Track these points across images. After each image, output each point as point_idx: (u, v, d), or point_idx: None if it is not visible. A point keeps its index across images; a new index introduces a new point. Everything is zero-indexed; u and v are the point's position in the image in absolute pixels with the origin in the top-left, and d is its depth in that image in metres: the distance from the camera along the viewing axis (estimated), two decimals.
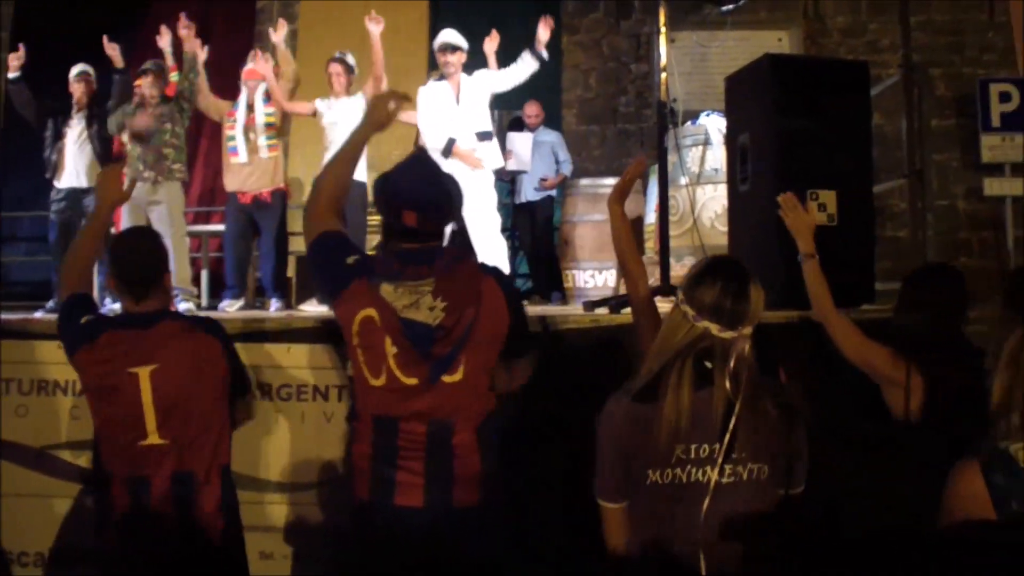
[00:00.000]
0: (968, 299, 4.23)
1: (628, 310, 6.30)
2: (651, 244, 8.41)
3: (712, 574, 2.79)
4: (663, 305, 6.45)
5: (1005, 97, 11.73)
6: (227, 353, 3.92)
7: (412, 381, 3.28)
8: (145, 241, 3.98)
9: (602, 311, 6.17)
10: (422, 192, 3.42)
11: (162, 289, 3.90)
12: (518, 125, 10.58)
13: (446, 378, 3.30)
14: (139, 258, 3.84)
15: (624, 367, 5.43)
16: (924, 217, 7.05)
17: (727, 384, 2.79)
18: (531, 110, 10.48)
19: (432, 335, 3.26)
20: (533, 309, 8.19)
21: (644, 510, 2.87)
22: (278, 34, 8.58)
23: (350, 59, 8.78)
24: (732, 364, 2.81)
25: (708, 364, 2.80)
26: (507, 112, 11.05)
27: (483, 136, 8.22)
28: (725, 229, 7.08)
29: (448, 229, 7.68)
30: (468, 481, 3.35)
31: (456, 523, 3.31)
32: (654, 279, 7.29)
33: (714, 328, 2.81)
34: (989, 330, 4.29)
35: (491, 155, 8.25)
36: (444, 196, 3.48)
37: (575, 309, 7.53)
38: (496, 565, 3.42)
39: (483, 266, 3.49)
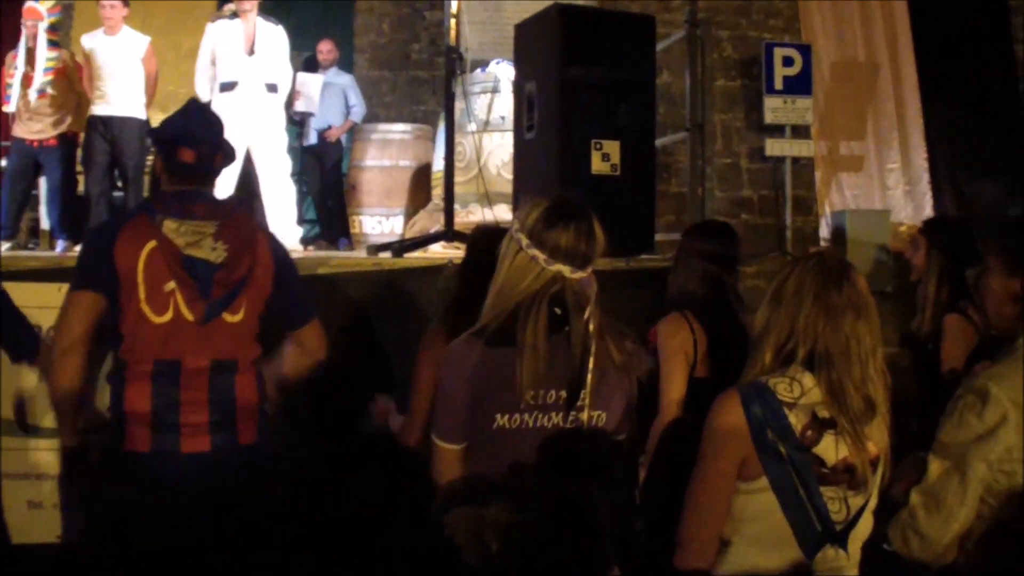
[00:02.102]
0: (739, 255, 4.32)
1: (412, 254, 6.32)
2: (437, 191, 8.38)
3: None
4: (448, 251, 6.52)
5: (788, 61, 12.08)
6: None
7: (190, 317, 3.28)
8: None
9: (385, 255, 6.13)
10: (197, 130, 3.51)
11: None
12: (311, 65, 10.39)
13: (228, 317, 3.34)
14: None
15: (404, 309, 5.44)
16: (704, 171, 7.26)
17: (582, 328, 2.77)
18: (324, 47, 10.30)
19: (212, 274, 3.28)
20: (318, 254, 8.12)
21: (485, 453, 2.82)
22: None
23: None
24: (588, 308, 2.79)
25: (558, 310, 2.76)
26: (297, 53, 10.85)
27: (271, 88, 8.08)
28: (511, 177, 7.10)
29: (234, 173, 7.62)
30: (249, 420, 3.38)
31: (241, 462, 3.34)
32: (438, 225, 7.30)
33: (566, 270, 2.76)
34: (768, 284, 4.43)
35: (276, 109, 8.16)
36: (217, 134, 3.58)
37: (360, 254, 7.47)
38: (277, 498, 3.48)
39: (259, 223, 3.57)
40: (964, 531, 2.67)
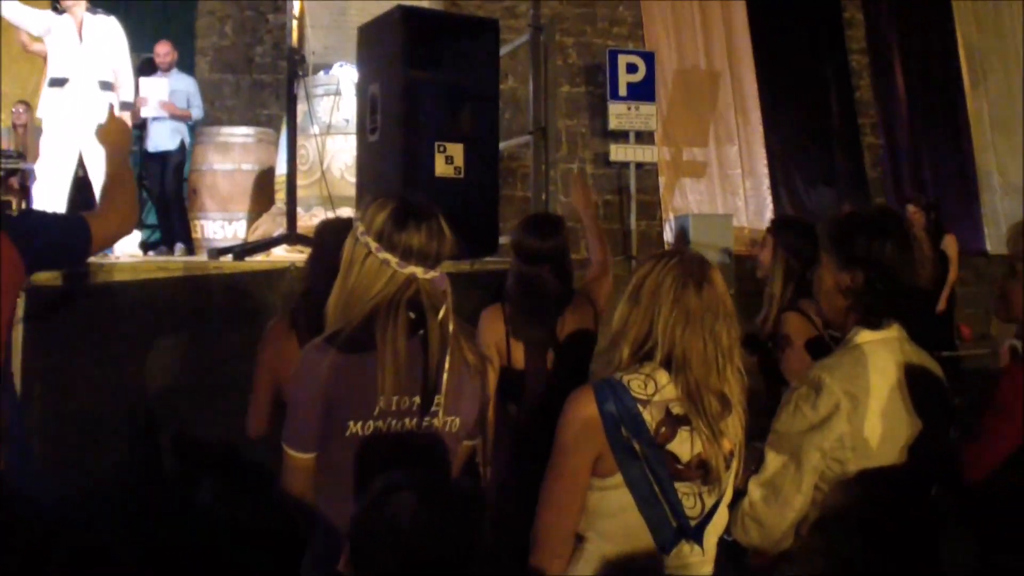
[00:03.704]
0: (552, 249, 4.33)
1: (253, 258, 6.21)
2: (281, 195, 8.27)
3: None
4: (291, 255, 6.42)
5: (632, 68, 12.30)
6: None
7: None
8: None
9: (227, 259, 6.01)
10: None
11: None
12: (149, 68, 10.16)
13: None
14: None
15: (246, 313, 5.34)
16: (548, 176, 7.27)
17: (439, 331, 2.73)
18: (162, 49, 10.10)
19: None
20: (158, 259, 7.93)
21: (338, 461, 2.74)
22: None
23: None
24: (443, 310, 2.74)
25: (412, 314, 2.70)
26: (136, 55, 10.60)
27: (105, 86, 7.86)
28: (355, 180, 7.04)
29: (67, 176, 7.39)
30: None
31: None
32: (281, 229, 7.19)
33: (420, 271, 2.71)
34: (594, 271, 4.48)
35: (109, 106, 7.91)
36: None
37: (202, 258, 7.33)
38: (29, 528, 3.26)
39: (4, 222, 3.25)
40: (800, 518, 2.73)
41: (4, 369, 3.20)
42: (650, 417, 2.55)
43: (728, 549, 2.86)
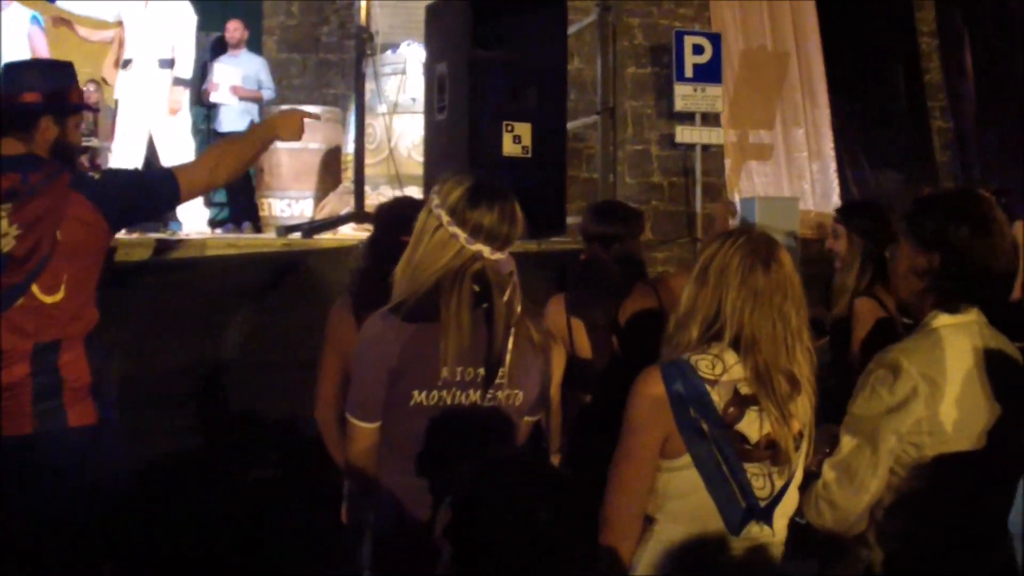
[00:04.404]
0: (629, 235, 4.32)
1: (320, 236, 6.25)
2: (348, 174, 8.31)
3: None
4: (358, 233, 6.45)
5: (698, 50, 12.17)
6: None
7: None
8: None
9: (295, 236, 6.06)
10: (53, 76, 3.40)
11: None
12: (219, 47, 10.25)
13: (46, 298, 3.17)
14: None
15: (313, 290, 5.37)
16: (615, 155, 7.26)
17: (503, 307, 2.76)
18: (232, 26, 10.16)
19: (3, 264, 3.12)
20: (226, 236, 8.01)
21: (402, 431, 2.79)
22: None
23: None
24: (508, 287, 2.78)
25: (477, 288, 2.74)
26: (205, 34, 10.69)
27: (164, 63, 7.93)
28: (422, 159, 7.06)
29: (138, 158, 7.49)
30: (81, 399, 3.24)
31: (72, 444, 3.21)
32: (348, 208, 7.23)
33: (486, 250, 2.76)
34: (678, 269, 4.46)
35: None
36: (68, 75, 3.44)
37: (269, 235, 7.39)
38: (117, 482, 3.33)
39: (78, 179, 3.30)
40: (874, 502, 2.70)
41: (95, 332, 3.31)
42: (718, 397, 2.54)
43: (800, 532, 2.85)
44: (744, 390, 2.56)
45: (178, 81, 8.27)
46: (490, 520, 1.93)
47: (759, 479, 2.58)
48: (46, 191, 3.18)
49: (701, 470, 2.56)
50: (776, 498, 2.62)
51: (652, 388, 2.58)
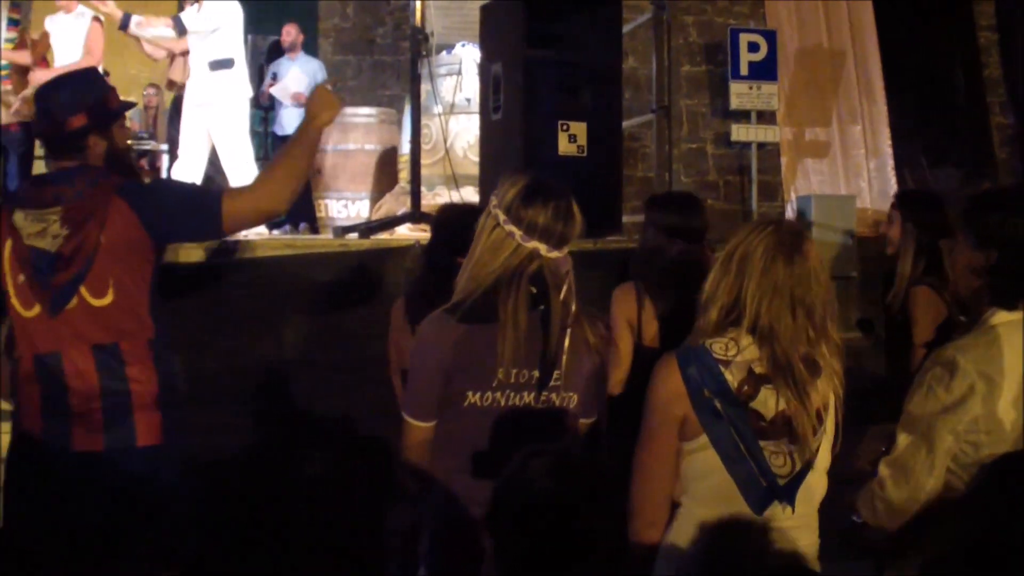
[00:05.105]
0: (705, 222, 4.30)
1: (377, 236, 6.29)
2: (404, 174, 8.36)
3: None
4: (415, 233, 6.50)
5: (754, 47, 12.10)
6: None
7: (34, 311, 3.15)
8: None
9: (352, 237, 6.11)
10: (52, 98, 3.30)
11: None
12: (276, 51, 10.33)
13: (94, 301, 3.15)
14: None
15: (371, 291, 5.42)
16: (671, 153, 7.25)
17: (560, 308, 2.77)
18: (288, 30, 10.25)
19: (53, 264, 3.12)
20: (283, 237, 8.08)
21: (456, 431, 2.81)
22: None
23: None
24: (564, 288, 2.79)
25: (534, 288, 2.75)
26: (262, 38, 10.80)
27: (215, 65, 7.97)
28: (477, 159, 7.09)
29: (202, 158, 7.58)
30: (148, 413, 3.21)
31: (139, 463, 3.17)
32: (405, 208, 7.28)
33: (543, 248, 2.76)
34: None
35: (225, 87, 8.01)
36: (71, 98, 3.29)
37: (326, 236, 7.44)
38: (177, 499, 3.31)
39: (123, 186, 3.25)
40: (931, 501, 2.69)
41: (156, 340, 3.26)
42: (731, 376, 2.55)
43: (856, 531, 2.83)
44: (758, 369, 2.56)
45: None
46: (525, 511, 1.95)
47: (778, 456, 2.57)
48: (92, 194, 3.18)
49: (718, 449, 2.56)
50: (798, 476, 2.59)
51: (668, 373, 2.61)
